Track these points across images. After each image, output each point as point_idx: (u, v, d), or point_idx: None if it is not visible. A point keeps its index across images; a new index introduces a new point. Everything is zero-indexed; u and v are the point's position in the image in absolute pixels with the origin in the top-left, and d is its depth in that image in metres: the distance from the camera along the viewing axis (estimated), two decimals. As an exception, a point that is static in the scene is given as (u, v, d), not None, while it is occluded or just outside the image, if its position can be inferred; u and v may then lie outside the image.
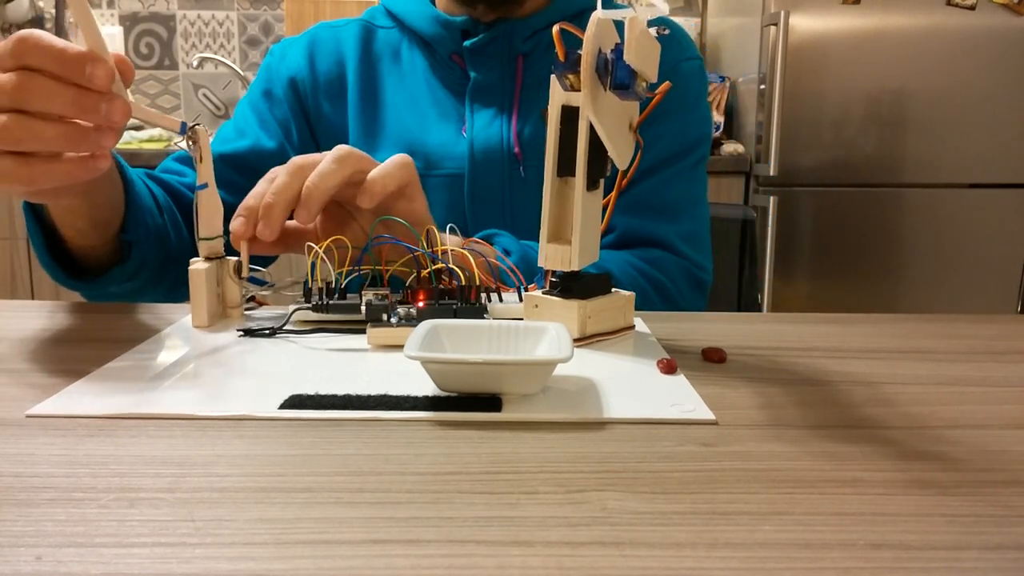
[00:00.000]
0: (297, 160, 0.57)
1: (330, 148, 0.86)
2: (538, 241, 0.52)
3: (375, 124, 0.85)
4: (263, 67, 0.89)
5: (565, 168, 0.50)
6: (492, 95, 0.83)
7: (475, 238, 0.66)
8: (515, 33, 0.82)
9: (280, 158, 0.83)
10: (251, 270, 0.56)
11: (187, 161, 0.81)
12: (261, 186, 0.57)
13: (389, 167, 0.58)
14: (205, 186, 0.54)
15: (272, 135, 0.84)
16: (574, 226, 0.50)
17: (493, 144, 0.81)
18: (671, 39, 0.87)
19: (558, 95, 0.49)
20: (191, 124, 0.52)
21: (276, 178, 0.56)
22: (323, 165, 0.56)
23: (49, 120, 0.46)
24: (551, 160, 0.50)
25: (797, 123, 1.90)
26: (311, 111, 0.87)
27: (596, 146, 0.49)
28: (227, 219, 0.57)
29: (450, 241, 0.60)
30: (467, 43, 0.82)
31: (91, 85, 0.45)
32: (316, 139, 0.87)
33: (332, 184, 0.55)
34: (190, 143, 0.53)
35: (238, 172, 0.80)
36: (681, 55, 0.86)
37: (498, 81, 0.83)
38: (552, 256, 0.51)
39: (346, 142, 0.85)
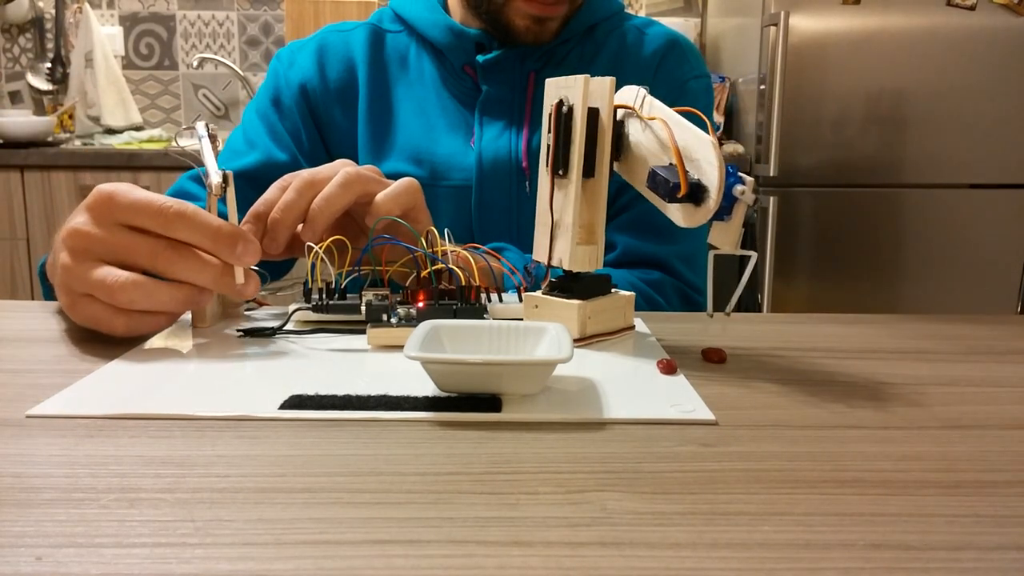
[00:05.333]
0: (306, 176, 0.57)
1: (341, 155, 0.85)
2: None
3: (384, 132, 0.85)
4: (270, 73, 0.88)
5: (589, 169, 0.50)
6: (502, 108, 0.83)
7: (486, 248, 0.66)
8: (528, 51, 0.82)
9: (292, 170, 0.82)
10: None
11: (201, 181, 0.80)
12: (272, 193, 0.57)
13: (395, 192, 0.58)
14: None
15: (284, 148, 0.83)
16: (596, 225, 0.51)
17: (501, 157, 0.81)
18: (680, 55, 0.87)
19: (578, 97, 0.49)
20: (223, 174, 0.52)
21: (287, 188, 0.56)
22: (329, 189, 0.56)
23: (166, 285, 0.47)
24: (577, 162, 0.50)
25: (797, 123, 1.90)
26: (322, 118, 0.86)
27: (614, 145, 0.51)
28: None
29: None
30: (480, 58, 0.82)
31: (239, 264, 0.48)
32: (327, 146, 0.87)
33: (337, 208, 0.56)
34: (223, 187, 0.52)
35: (251, 187, 0.79)
36: (690, 73, 0.87)
37: (509, 95, 0.83)
38: (581, 258, 0.51)
39: (356, 148, 0.85)
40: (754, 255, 0.51)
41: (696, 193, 0.46)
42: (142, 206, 0.47)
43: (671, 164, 0.46)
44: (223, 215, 0.51)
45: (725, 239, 0.47)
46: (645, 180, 0.48)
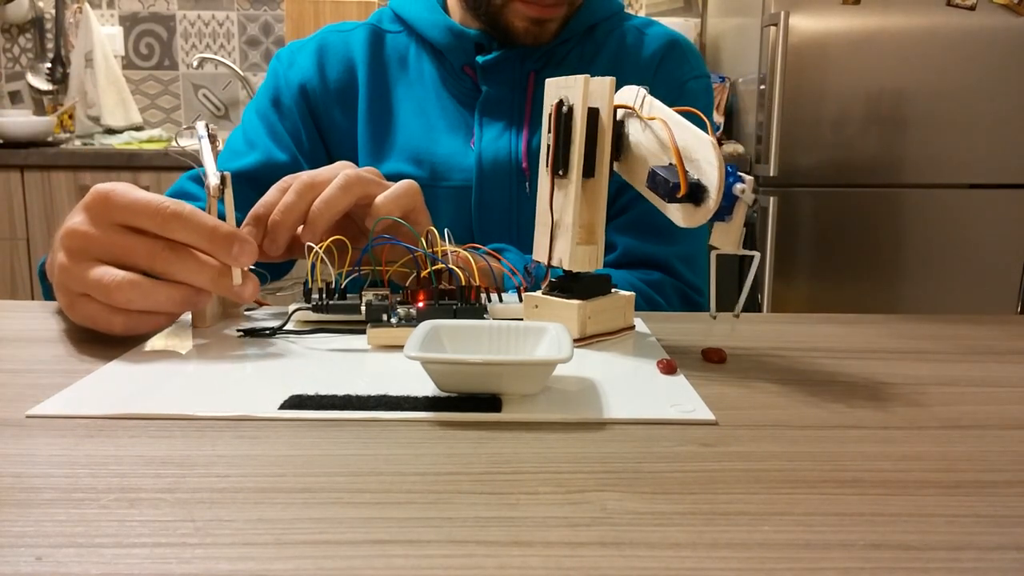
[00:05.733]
0: (306, 178, 0.56)
1: (341, 155, 0.85)
2: None
3: (384, 132, 0.84)
4: (270, 73, 0.88)
5: (589, 169, 0.50)
6: (502, 109, 0.83)
7: (488, 248, 0.66)
8: (528, 51, 0.82)
9: (292, 171, 0.82)
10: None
11: (201, 180, 0.80)
12: (272, 195, 0.57)
13: (395, 194, 0.58)
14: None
15: (283, 148, 0.83)
16: (596, 225, 0.51)
17: (501, 157, 0.81)
18: (680, 56, 0.87)
19: (578, 97, 0.49)
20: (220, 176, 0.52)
21: (287, 190, 0.56)
22: (329, 191, 0.56)
23: (164, 285, 0.47)
24: (577, 162, 0.50)
25: (797, 123, 1.90)
26: (322, 118, 0.86)
27: (614, 145, 0.51)
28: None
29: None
30: (480, 59, 0.82)
31: (235, 264, 0.48)
32: (327, 146, 0.87)
33: (337, 211, 0.56)
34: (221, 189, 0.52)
35: (251, 187, 0.78)
36: (689, 73, 0.87)
37: (508, 95, 0.83)
38: (581, 258, 0.51)
39: (355, 149, 0.85)
40: (758, 255, 0.51)
41: (696, 193, 0.46)
42: (139, 206, 0.47)
43: (671, 164, 0.46)
44: (223, 216, 0.51)
45: (727, 240, 0.47)
46: (645, 180, 0.48)
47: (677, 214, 0.47)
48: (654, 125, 0.48)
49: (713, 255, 0.49)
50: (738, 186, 0.45)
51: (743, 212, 0.46)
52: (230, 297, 0.50)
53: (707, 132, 0.46)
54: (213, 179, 0.50)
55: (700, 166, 0.46)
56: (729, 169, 0.45)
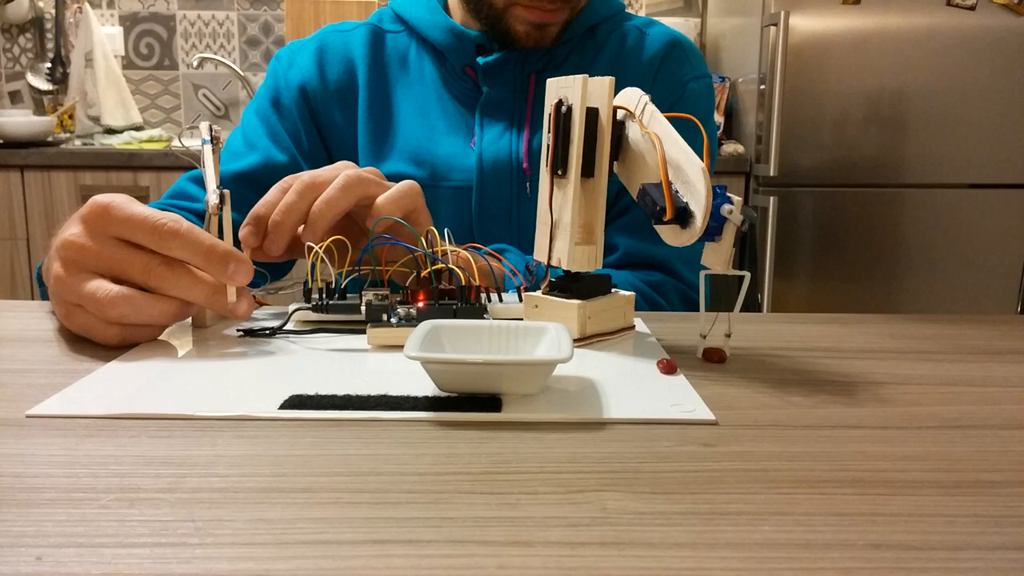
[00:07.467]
0: (307, 179, 0.56)
1: (341, 156, 0.84)
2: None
3: (384, 133, 0.84)
4: (270, 73, 0.88)
5: (588, 169, 0.50)
6: (503, 110, 0.83)
7: (489, 248, 0.66)
8: (529, 53, 0.82)
9: (292, 171, 0.82)
10: None
11: (201, 181, 0.80)
12: (272, 195, 0.57)
13: (396, 195, 0.58)
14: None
15: (283, 149, 0.83)
16: (595, 225, 0.51)
17: (502, 158, 0.81)
18: (681, 56, 0.87)
19: (578, 97, 0.49)
20: (220, 192, 0.51)
21: (287, 190, 0.56)
22: (330, 191, 0.55)
23: (157, 299, 0.47)
24: (575, 162, 0.49)
25: (797, 123, 1.90)
26: (322, 119, 0.86)
27: (614, 145, 0.50)
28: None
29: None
30: (481, 60, 0.82)
31: (231, 283, 0.48)
32: (327, 146, 0.86)
33: (338, 211, 0.56)
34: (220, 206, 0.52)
35: (250, 189, 0.78)
36: (690, 74, 0.86)
37: (509, 96, 0.83)
38: (580, 258, 0.51)
39: (356, 149, 0.85)
40: (747, 275, 0.51)
41: (682, 217, 0.46)
42: (137, 221, 0.47)
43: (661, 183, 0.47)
44: (222, 227, 0.51)
45: (717, 260, 0.47)
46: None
47: (665, 232, 0.48)
48: (650, 138, 0.48)
49: (702, 276, 0.49)
50: (726, 207, 0.45)
51: (732, 233, 0.46)
52: (224, 314, 0.50)
53: (703, 143, 0.46)
54: (212, 197, 0.50)
55: (689, 188, 0.46)
56: (717, 190, 0.45)
